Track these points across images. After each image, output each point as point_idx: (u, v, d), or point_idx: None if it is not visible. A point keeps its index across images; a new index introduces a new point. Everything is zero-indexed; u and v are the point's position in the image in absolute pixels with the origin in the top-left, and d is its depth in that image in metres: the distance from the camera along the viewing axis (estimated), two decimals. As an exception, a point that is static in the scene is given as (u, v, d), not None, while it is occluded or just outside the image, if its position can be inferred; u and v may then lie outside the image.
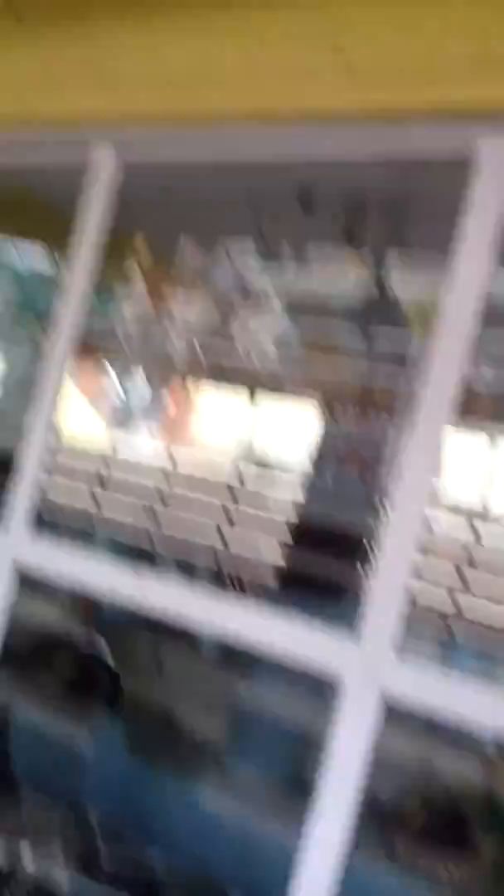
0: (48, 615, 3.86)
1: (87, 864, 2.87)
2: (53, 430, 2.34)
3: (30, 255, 6.30)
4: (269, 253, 4.59)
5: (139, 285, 5.56)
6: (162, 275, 5.39)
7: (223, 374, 5.90)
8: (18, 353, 6.94)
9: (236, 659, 3.44)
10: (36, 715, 3.45)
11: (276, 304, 5.08)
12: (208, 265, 5.21)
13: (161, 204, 3.17)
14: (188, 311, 5.40)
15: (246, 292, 5.19)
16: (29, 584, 2.31)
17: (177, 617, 2.04)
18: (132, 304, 5.64)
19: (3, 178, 2.97)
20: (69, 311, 2.30)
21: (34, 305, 6.69)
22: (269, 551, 6.55)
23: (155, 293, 5.43)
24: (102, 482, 8.16)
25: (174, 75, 2.06)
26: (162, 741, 3.49)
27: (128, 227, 3.46)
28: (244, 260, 5.03)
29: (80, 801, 3.11)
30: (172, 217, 3.68)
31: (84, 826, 3.04)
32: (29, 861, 2.77)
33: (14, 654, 2.30)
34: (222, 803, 3.26)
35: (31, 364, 6.25)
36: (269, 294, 5.09)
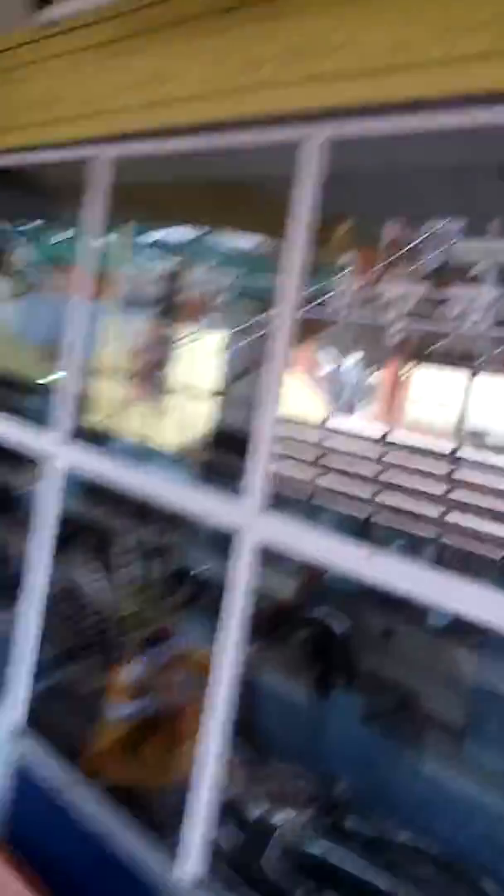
0: (280, 586, 3.97)
1: (330, 828, 2.98)
2: (280, 407, 2.37)
3: (248, 239, 6.56)
4: (477, 227, 4.46)
5: (352, 266, 5.62)
6: (373, 254, 5.40)
7: (437, 351, 5.79)
8: (243, 335, 7.24)
9: (469, 633, 3.38)
10: (277, 684, 3.59)
11: (488, 278, 4.90)
12: (418, 243, 5.14)
13: (370, 185, 3.20)
14: (400, 290, 5.37)
15: (456, 268, 5.05)
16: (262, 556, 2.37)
17: (403, 592, 2.03)
18: (345, 284, 5.71)
19: (217, 168, 3.12)
20: (288, 293, 2.38)
21: (255, 287, 6.96)
22: (494, 526, 6.35)
23: (367, 273, 5.47)
24: (323, 456, 8.34)
25: (372, 64, 2.09)
26: (395, 713, 3.51)
27: (340, 208, 3.53)
28: (453, 235, 4.91)
29: (319, 768, 3.21)
30: (382, 197, 3.69)
31: (325, 791, 3.13)
32: (279, 824, 2.93)
33: (253, 625, 2.40)
34: (463, 782, 3.23)
35: (255, 344, 6.52)
36: (480, 268, 4.92)
